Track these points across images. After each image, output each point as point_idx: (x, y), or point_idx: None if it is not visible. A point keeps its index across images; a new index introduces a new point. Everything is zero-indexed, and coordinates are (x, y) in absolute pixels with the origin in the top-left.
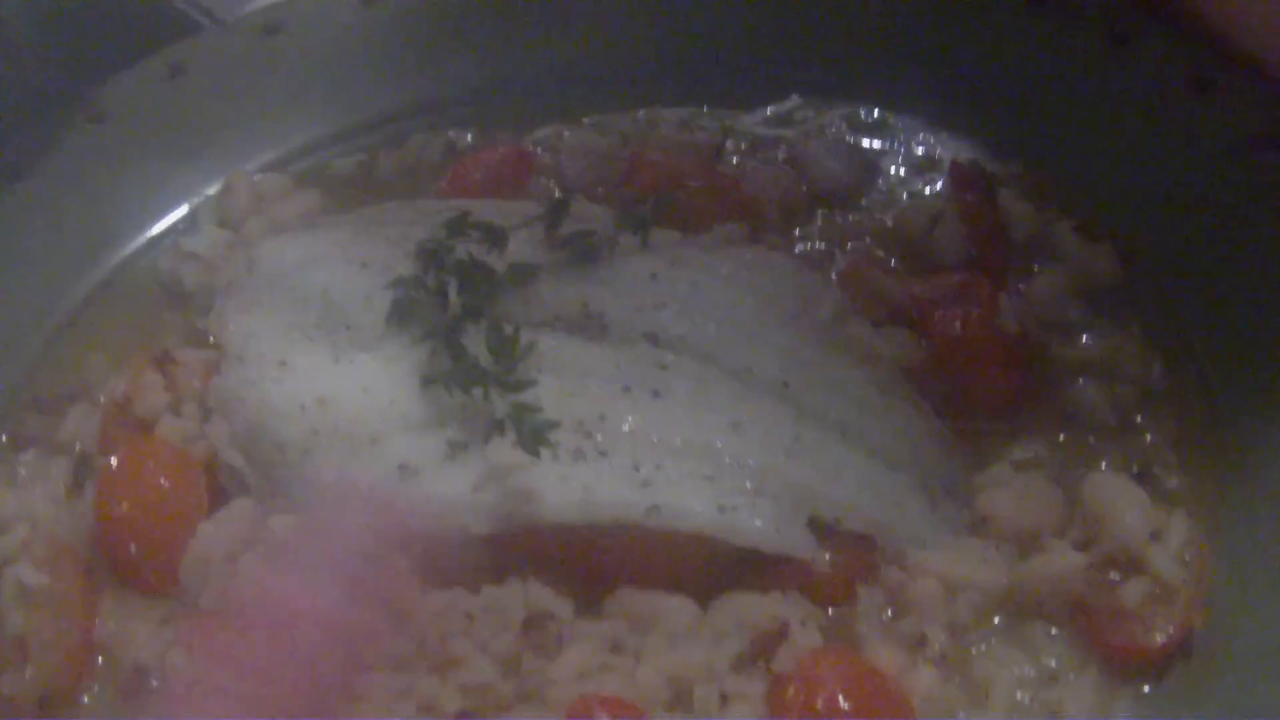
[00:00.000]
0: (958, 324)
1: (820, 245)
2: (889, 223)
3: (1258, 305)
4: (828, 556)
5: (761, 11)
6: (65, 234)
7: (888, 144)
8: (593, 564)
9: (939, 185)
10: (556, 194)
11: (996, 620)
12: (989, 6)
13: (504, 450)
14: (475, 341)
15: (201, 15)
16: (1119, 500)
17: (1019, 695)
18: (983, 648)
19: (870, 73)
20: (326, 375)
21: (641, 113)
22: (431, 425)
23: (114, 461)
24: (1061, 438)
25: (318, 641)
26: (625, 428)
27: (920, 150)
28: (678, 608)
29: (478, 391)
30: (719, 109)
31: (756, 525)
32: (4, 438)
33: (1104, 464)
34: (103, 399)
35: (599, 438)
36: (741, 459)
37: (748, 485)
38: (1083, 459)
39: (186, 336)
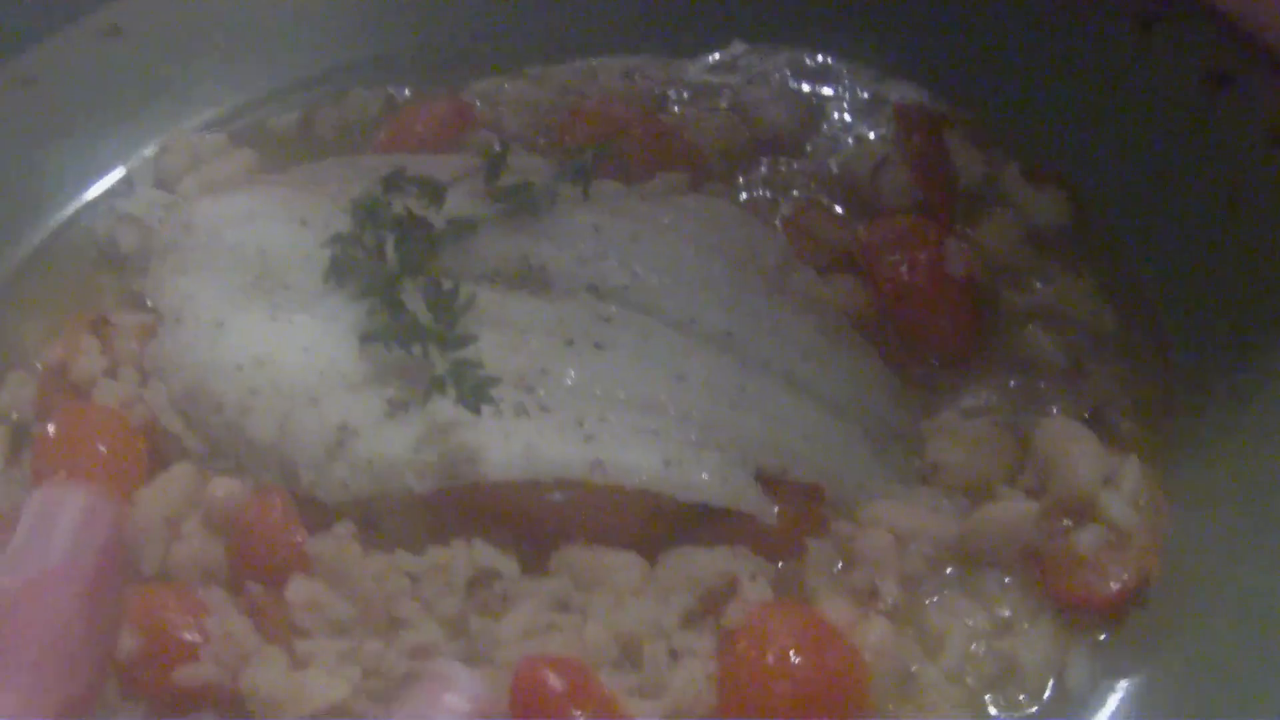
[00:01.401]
0: (905, 269)
1: (764, 192)
2: (834, 168)
3: (1208, 248)
4: (776, 510)
5: None
6: None
7: (833, 89)
8: (537, 522)
9: (884, 130)
10: (496, 146)
11: (949, 570)
12: None
13: (445, 408)
14: (414, 298)
15: None
16: (1071, 446)
17: (973, 646)
18: (935, 599)
19: (814, 17)
20: (264, 335)
21: (582, 63)
22: (371, 383)
23: (51, 428)
24: (1012, 383)
25: None
26: (568, 382)
27: (865, 95)
28: (625, 564)
29: (417, 348)
30: (661, 57)
31: (703, 479)
32: None
33: (1055, 409)
34: (39, 366)
35: (541, 393)
36: (686, 411)
37: (693, 438)
38: (1034, 405)
39: (123, 300)
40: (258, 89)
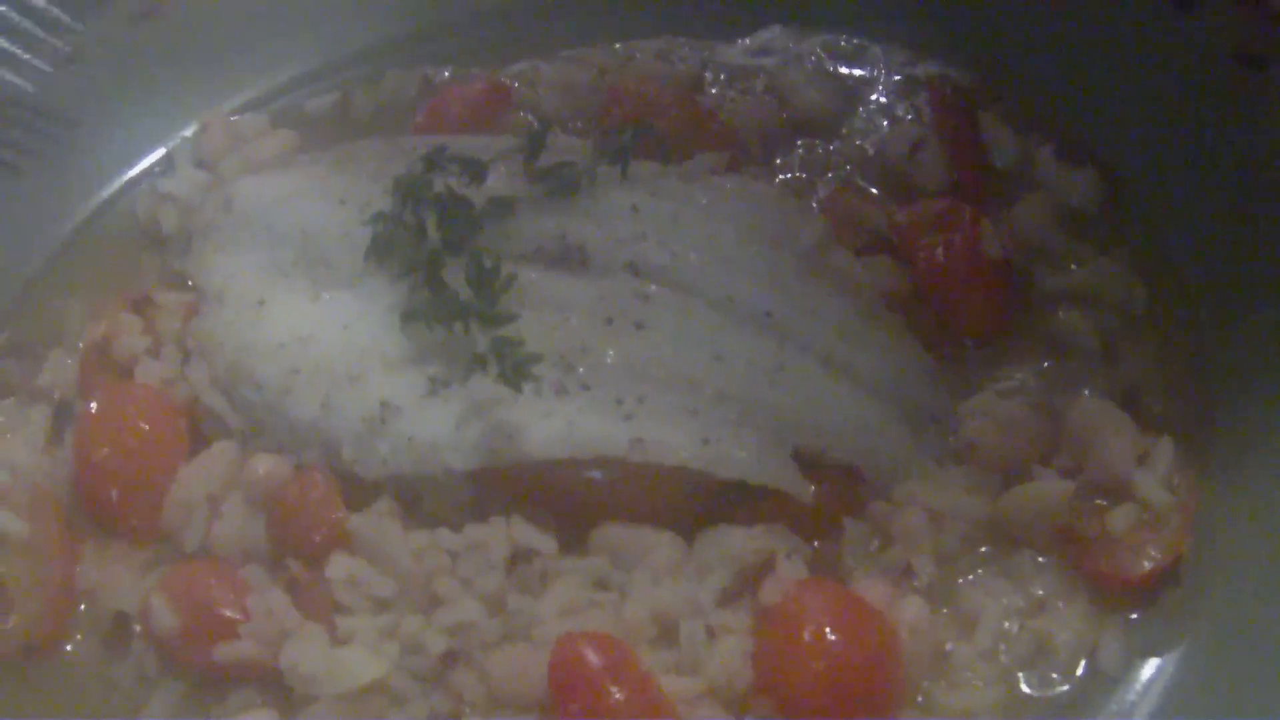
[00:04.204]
0: (940, 251)
1: (800, 174)
2: (869, 150)
3: (1242, 229)
4: (812, 489)
5: None
6: (40, 179)
7: (868, 71)
8: (577, 500)
9: (919, 112)
10: (534, 127)
11: (983, 549)
12: None
13: (485, 386)
14: (455, 276)
15: None
16: (1105, 426)
17: (1006, 624)
18: (970, 577)
19: (849, 0)
20: (305, 314)
21: (619, 45)
22: (412, 361)
23: (93, 407)
24: (1046, 364)
25: None
26: (608, 360)
27: (900, 77)
28: (662, 543)
29: (458, 326)
30: (697, 40)
31: (740, 457)
32: None
33: (1089, 390)
34: (81, 345)
35: (581, 371)
36: (725, 391)
37: (731, 417)
38: (1068, 385)
39: (164, 279)
40: (295, 71)
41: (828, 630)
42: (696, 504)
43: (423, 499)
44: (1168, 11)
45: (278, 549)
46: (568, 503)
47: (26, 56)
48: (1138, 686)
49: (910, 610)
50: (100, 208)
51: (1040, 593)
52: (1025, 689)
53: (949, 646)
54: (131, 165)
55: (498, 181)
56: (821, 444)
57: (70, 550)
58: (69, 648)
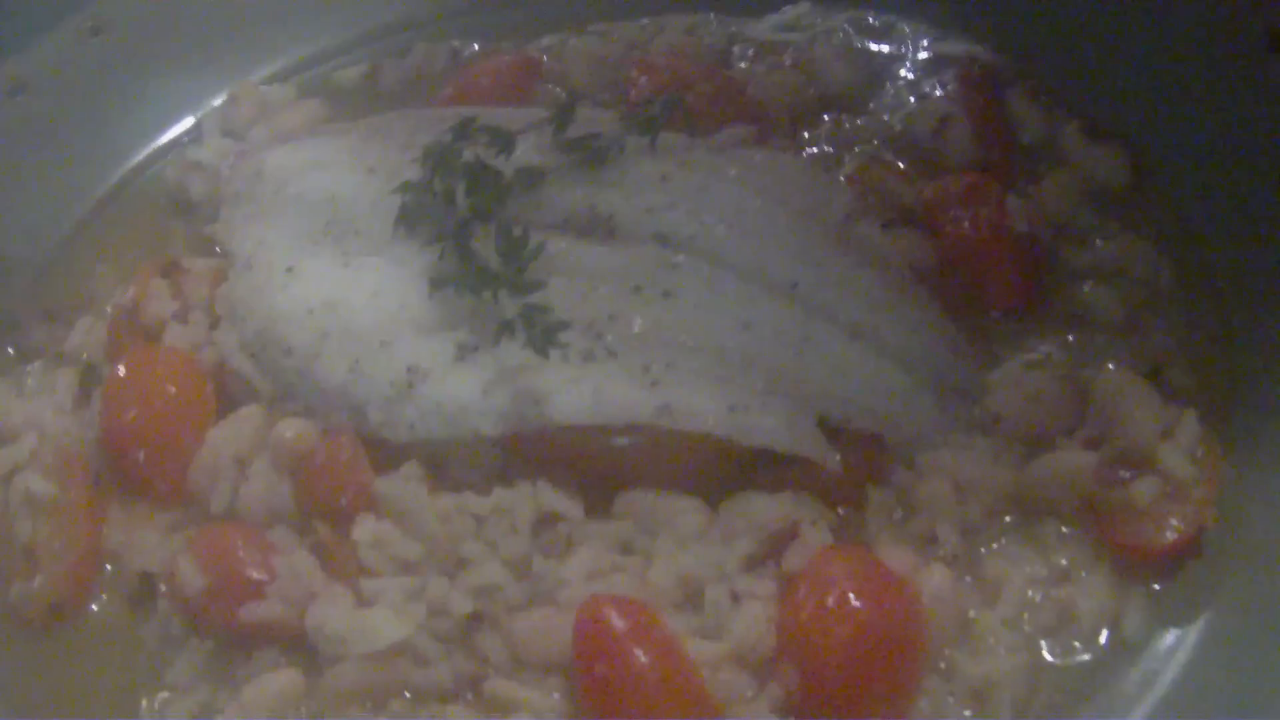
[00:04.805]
0: (966, 224)
1: (828, 148)
2: (896, 125)
3: (1267, 206)
4: (838, 457)
5: None
6: (70, 146)
7: (895, 47)
8: (603, 465)
9: (947, 88)
10: (563, 99)
11: (1007, 519)
12: None
13: (514, 352)
14: (484, 244)
15: None
16: (1129, 398)
17: (1030, 593)
18: (994, 546)
19: None
20: (335, 280)
21: (647, 20)
22: (441, 328)
23: (121, 370)
24: (1071, 338)
25: None
26: (635, 328)
27: (927, 53)
28: (688, 508)
29: (487, 294)
30: (725, 15)
31: (767, 424)
32: (11, 349)
33: (1114, 363)
34: (110, 309)
35: (609, 338)
36: (752, 359)
37: (758, 385)
38: (1093, 359)
39: (193, 245)
40: (324, 42)
41: (851, 597)
42: (722, 470)
43: (449, 463)
44: None
45: (304, 511)
46: (594, 468)
47: (56, 27)
48: (1159, 656)
49: (934, 578)
50: (129, 175)
51: (1064, 562)
52: (1048, 657)
53: (972, 614)
54: (161, 134)
55: (526, 152)
56: (847, 413)
57: (97, 512)
58: (95, 608)
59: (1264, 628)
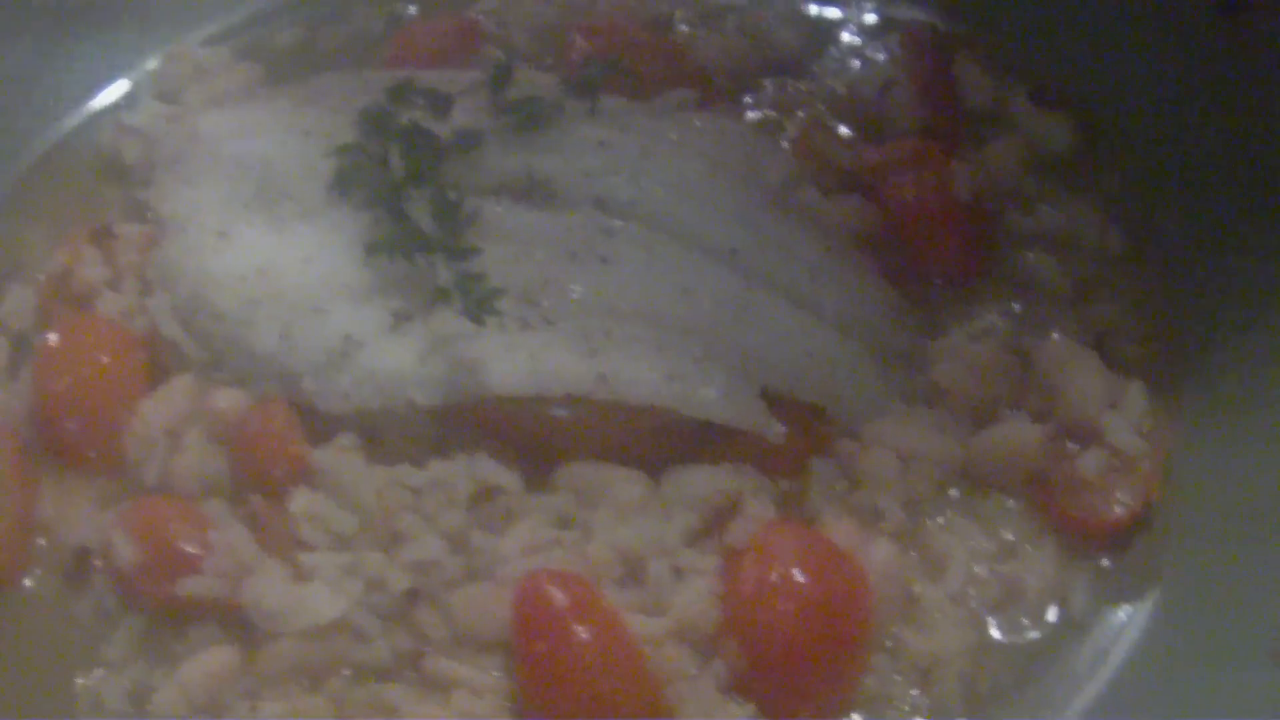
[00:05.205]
0: (910, 190)
1: (771, 113)
2: (841, 90)
3: (1215, 174)
4: (780, 428)
5: None
6: (1, 110)
7: (840, 11)
8: (541, 437)
9: (891, 52)
10: (502, 61)
11: (952, 493)
12: None
13: (449, 319)
14: (419, 209)
15: None
16: (1076, 369)
17: (976, 568)
18: (939, 520)
19: None
20: (268, 245)
21: None
22: (375, 294)
23: (52, 338)
24: (1016, 307)
25: None
26: (572, 295)
27: (873, 17)
28: (628, 480)
29: (421, 260)
30: None
31: (707, 395)
32: None
33: (1059, 334)
34: (41, 276)
35: (546, 305)
36: (691, 326)
37: (697, 353)
38: (1038, 328)
39: (126, 211)
40: (260, 5)
41: (795, 572)
42: (663, 442)
43: (385, 434)
44: None
45: (239, 483)
46: (532, 439)
47: None
48: (1108, 633)
49: (879, 552)
50: (62, 139)
51: (1010, 537)
52: (995, 634)
53: (917, 589)
54: (94, 97)
55: (464, 115)
56: (788, 382)
57: (29, 484)
58: (28, 582)
59: (1214, 603)
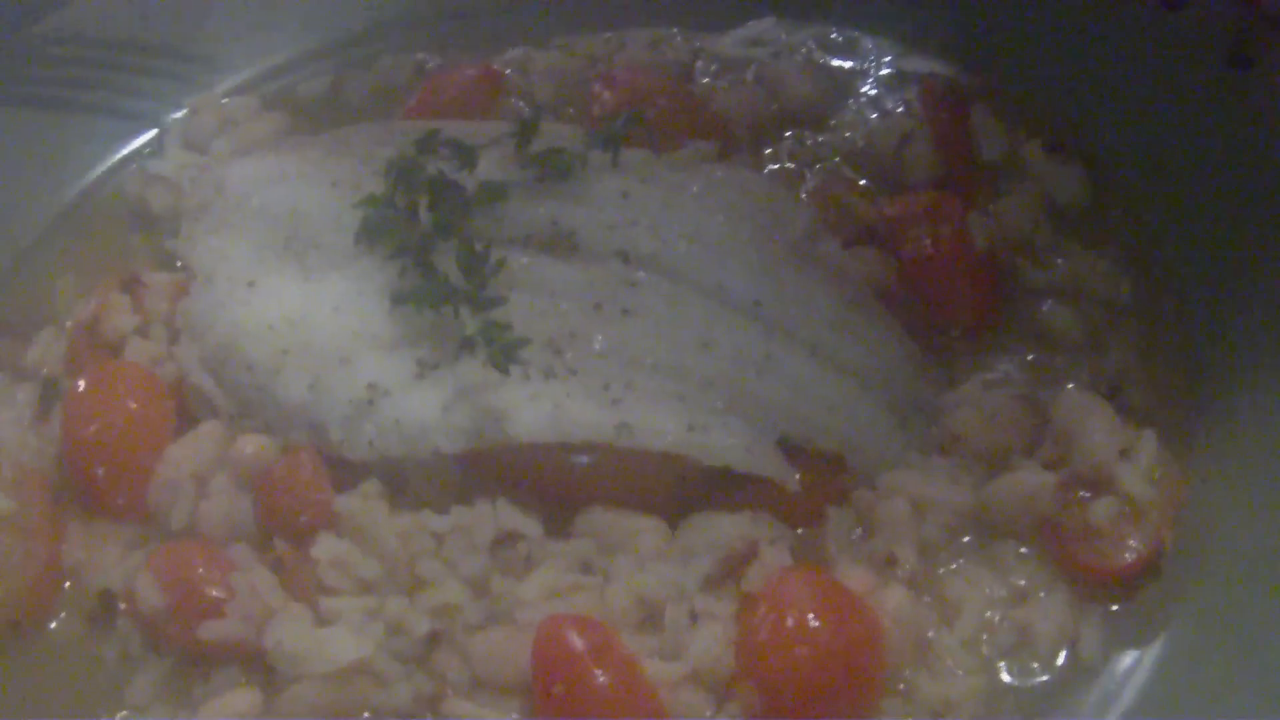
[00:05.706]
0: (928, 243)
1: (790, 165)
2: (859, 142)
3: (1228, 225)
4: (798, 476)
5: None
6: (31, 158)
7: (858, 63)
8: (562, 484)
9: (909, 104)
10: (526, 114)
11: (966, 539)
12: None
13: (474, 369)
14: (445, 260)
15: None
16: (1088, 418)
17: (988, 614)
18: (953, 567)
19: None
20: (296, 295)
21: (610, 34)
22: (402, 344)
23: (81, 385)
24: (1031, 357)
25: None
26: (596, 346)
27: (890, 70)
28: (647, 527)
29: (448, 310)
30: (688, 30)
31: (726, 444)
32: None
33: (1073, 383)
34: (69, 323)
35: (569, 356)
36: (712, 378)
37: (718, 404)
38: (1052, 378)
39: (154, 259)
40: (287, 53)
41: (811, 617)
42: (681, 490)
43: (409, 481)
44: (1158, 10)
45: (264, 529)
46: (553, 487)
47: (11, 38)
48: (1117, 678)
49: (893, 598)
50: (91, 188)
51: (1022, 583)
52: (1006, 678)
53: (931, 635)
54: (122, 146)
55: (489, 166)
56: (807, 432)
57: (56, 528)
58: (53, 625)
59: (1222, 649)
